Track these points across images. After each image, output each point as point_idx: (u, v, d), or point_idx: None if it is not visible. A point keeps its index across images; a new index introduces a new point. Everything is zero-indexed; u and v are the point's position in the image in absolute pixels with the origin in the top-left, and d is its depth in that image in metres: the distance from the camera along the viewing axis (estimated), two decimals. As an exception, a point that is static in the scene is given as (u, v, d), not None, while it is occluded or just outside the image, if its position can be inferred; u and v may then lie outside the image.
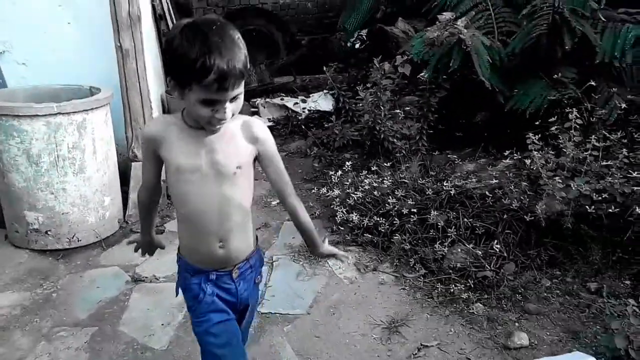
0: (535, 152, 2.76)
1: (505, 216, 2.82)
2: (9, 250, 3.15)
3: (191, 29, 1.20)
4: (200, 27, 1.19)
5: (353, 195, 3.26)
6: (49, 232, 3.08)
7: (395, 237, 2.96)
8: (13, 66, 3.60)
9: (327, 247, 1.61)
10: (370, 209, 3.20)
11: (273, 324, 2.47)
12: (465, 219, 2.87)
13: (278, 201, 4.11)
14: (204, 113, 1.24)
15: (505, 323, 2.38)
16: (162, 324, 2.51)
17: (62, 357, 2.27)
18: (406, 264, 2.88)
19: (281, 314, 2.56)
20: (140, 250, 1.77)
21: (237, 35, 1.22)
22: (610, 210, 2.44)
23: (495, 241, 2.68)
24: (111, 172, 3.33)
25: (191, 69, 1.16)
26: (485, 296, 2.54)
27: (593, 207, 2.48)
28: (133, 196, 3.66)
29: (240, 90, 1.25)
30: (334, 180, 3.56)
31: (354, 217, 3.12)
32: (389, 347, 2.30)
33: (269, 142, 1.41)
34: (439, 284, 2.67)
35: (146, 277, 2.90)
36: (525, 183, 2.87)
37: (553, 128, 2.92)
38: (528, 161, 2.82)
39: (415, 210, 2.99)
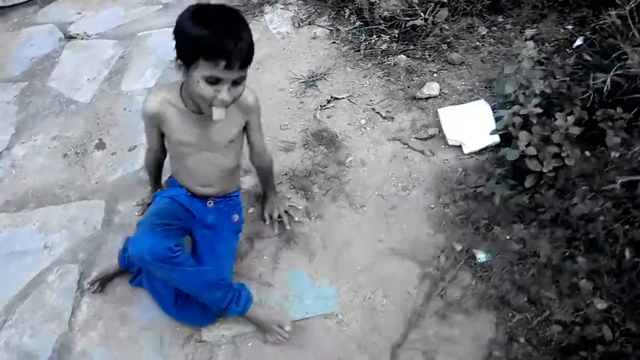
0: None
1: (454, -46, 2.40)
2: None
3: (204, 10, 1.25)
4: (213, 10, 1.25)
5: None
6: (-23, -11, 2.95)
7: (333, -15, 2.65)
8: None
9: (280, 196, 1.81)
10: (312, -49, 2.80)
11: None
12: (411, -40, 2.48)
13: None
14: (206, 92, 1.26)
15: (423, 74, 2.24)
16: (88, 79, 2.54)
17: (-8, 111, 2.39)
18: (342, 15, 2.64)
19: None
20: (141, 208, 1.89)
21: (246, 23, 1.27)
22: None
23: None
24: None
25: (202, 44, 1.21)
26: (411, 47, 2.35)
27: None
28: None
29: (243, 74, 1.29)
30: None
31: (291, -39, 2.76)
32: (302, 100, 2.27)
33: (257, 112, 1.54)
34: (367, 35, 2.47)
35: (78, 34, 2.84)
36: None
37: None
38: None
39: (357, -51, 2.59)
